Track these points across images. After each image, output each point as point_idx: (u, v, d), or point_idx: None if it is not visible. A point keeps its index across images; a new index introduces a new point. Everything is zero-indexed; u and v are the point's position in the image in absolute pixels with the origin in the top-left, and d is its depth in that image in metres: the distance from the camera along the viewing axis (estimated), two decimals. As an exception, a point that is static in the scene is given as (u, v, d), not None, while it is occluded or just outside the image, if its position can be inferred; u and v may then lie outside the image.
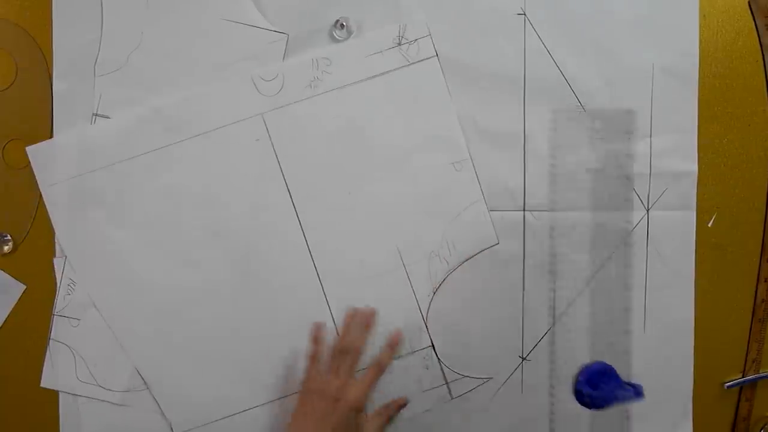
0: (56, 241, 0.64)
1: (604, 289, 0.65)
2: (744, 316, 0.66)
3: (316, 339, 0.63)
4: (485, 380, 0.65)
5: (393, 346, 0.62)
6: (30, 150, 0.63)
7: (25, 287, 0.66)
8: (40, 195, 0.64)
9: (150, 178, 0.63)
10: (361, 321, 0.62)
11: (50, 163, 0.63)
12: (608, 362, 0.65)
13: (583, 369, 0.64)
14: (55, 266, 0.65)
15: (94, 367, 0.65)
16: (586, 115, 0.63)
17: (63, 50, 0.63)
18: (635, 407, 0.66)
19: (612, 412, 0.66)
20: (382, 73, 0.62)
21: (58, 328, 0.65)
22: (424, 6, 0.62)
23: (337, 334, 0.64)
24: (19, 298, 0.66)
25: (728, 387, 0.66)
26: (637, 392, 0.62)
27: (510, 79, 0.63)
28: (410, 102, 0.63)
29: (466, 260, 0.64)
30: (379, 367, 0.61)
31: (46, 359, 0.66)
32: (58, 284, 0.65)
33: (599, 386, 0.62)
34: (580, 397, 0.61)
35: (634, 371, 0.66)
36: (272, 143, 0.63)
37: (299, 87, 0.62)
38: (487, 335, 0.65)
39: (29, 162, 0.63)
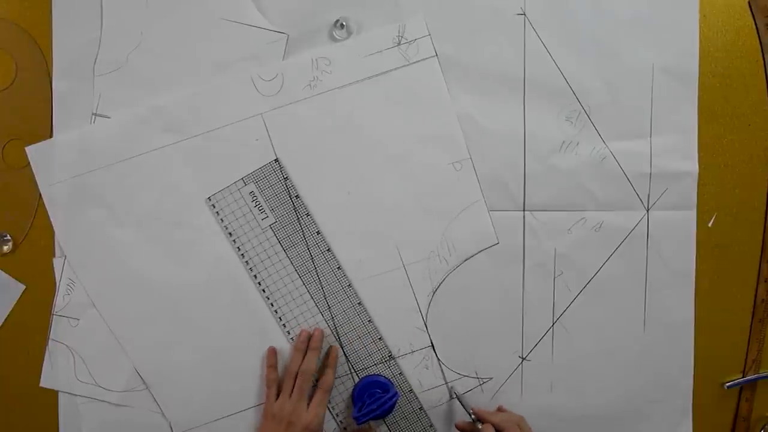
0: (56, 241, 0.64)
1: (604, 289, 0.64)
2: (744, 316, 0.66)
3: (270, 365, 0.64)
4: (485, 380, 0.65)
5: (331, 365, 0.64)
6: (30, 150, 0.63)
7: (24, 287, 0.66)
8: (40, 195, 0.64)
9: (150, 178, 0.63)
10: (311, 344, 0.63)
11: (50, 163, 0.63)
12: (608, 363, 0.65)
13: (352, 393, 0.65)
14: (55, 266, 0.65)
15: (94, 366, 0.65)
16: (585, 115, 0.63)
17: (63, 50, 0.63)
18: (635, 407, 0.66)
19: (612, 415, 0.66)
20: (382, 73, 0.62)
21: (58, 328, 0.65)
22: (424, 6, 0.62)
23: (339, 338, 0.64)
24: (19, 298, 0.66)
25: (728, 387, 0.66)
26: (391, 395, 0.62)
27: (510, 79, 0.63)
28: (410, 102, 0.63)
29: (466, 260, 0.64)
30: (325, 387, 0.62)
31: (45, 359, 0.66)
32: (57, 284, 0.65)
33: (365, 402, 0.62)
34: (359, 421, 0.62)
35: (634, 371, 0.66)
36: (272, 143, 0.63)
37: (299, 87, 0.62)
38: (487, 335, 0.65)
39: (29, 162, 0.63)
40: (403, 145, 0.63)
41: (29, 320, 0.66)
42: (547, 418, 0.66)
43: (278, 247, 0.63)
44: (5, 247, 0.65)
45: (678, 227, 0.64)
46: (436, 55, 0.62)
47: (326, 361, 0.64)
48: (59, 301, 0.65)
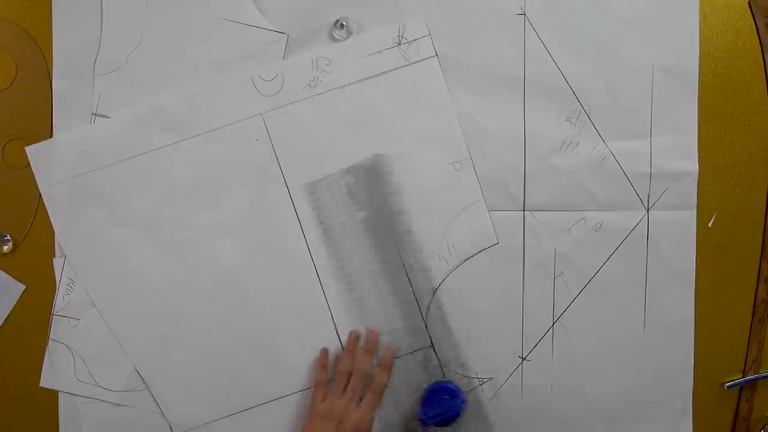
0: (56, 241, 0.64)
1: (603, 289, 0.64)
2: (744, 316, 0.66)
3: (322, 365, 0.63)
4: (485, 380, 0.65)
5: (387, 366, 0.63)
6: (30, 150, 0.64)
7: (24, 287, 0.66)
8: (40, 195, 0.64)
9: (150, 178, 0.63)
10: (366, 345, 0.63)
11: (50, 163, 0.63)
12: (608, 363, 0.65)
13: (421, 398, 0.64)
14: (55, 266, 0.65)
15: (94, 367, 0.65)
16: (585, 115, 0.63)
17: (63, 50, 0.63)
18: (635, 407, 0.66)
19: (612, 415, 0.66)
20: (382, 73, 0.62)
21: (58, 328, 0.65)
22: (424, 6, 0.62)
23: (338, 338, 0.64)
24: (19, 298, 0.66)
25: (728, 387, 0.66)
26: (460, 400, 0.62)
27: (510, 79, 0.63)
28: (410, 102, 0.63)
29: (466, 260, 0.64)
30: (378, 389, 0.62)
31: (45, 359, 0.66)
32: (57, 284, 0.65)
33: (432, 407, 0.63)
34: (424, 423, 0.62)
35: (634, 371, 0.66)
36: (272, 143, 0.63)
37: (299, 87, 0.62)
38: (487, 335, 0.65)
39: (29, 162, 0.63)
40: (403, 145, 0.63)
41: (29, 320, 0.66)
42: (547, 418, 0.66)
43: (367, 242, 0.64)
44: (5, 247, 0.65)
45: (678, 227, 0.64)
46: (437, 55, 0.62)
47: (383, 362, 0.63)
48: (59, 301, 0.65)
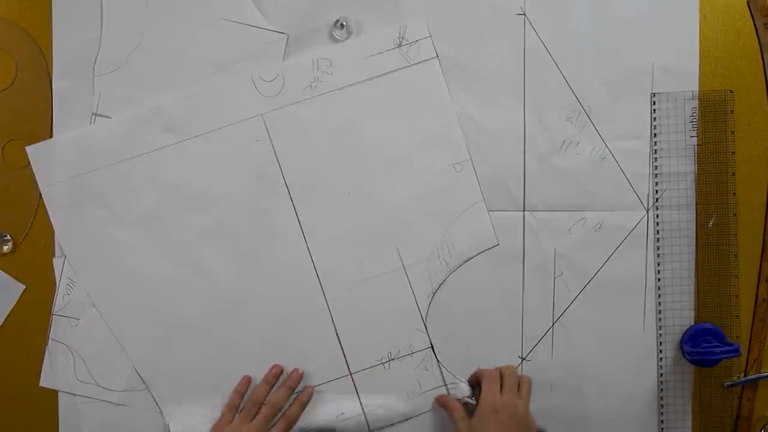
0: (56, 241, 0.64)
1: (603, 289, 0.64)
2: (744, 316, 0.66)
3: (238, 391, 0.63)
4: (485, 381, 0.65)
5: (302, 401, 0.63)
6: (30, 150, 0.64)
7: (24, 287, 0.66)
8: (40, 195, 0.64)
9: (150, 178, 0.63)
10: (286, 381, 0.63)
11: (50, 163, 0.63)
12: (608, 363, 0.65)
13: (687, 329, 0.64)
14: (55, 266, 0.65)
15: (94, 366, 0.65)
16: (585, 115, 0.63)
17: (63, 50, 0.63)
18: (635, 408, 0.66)
19: (612, 415, 0.66)
20: (383, 74, 0.62)
21: (58, 328, 0.65)
22: (425, 6, 0.62)
23: (338, 339, 0.64)
24: (19, 298, 0.66)
25: (729, 387, 0.66)
26: (734, 350, 0.62)
27: (510, 79, 0.63)
28: (410, 103, 0.63)
29: (466, 261, 0.64)
30: (287, 422, 0.61)
31: (45, 359, 0.65)
32: (57, 284, 0.65)
33: (700, 345, 0.62)
34: (683, 354, 0.63)
35: (633, 371, 0.66)
36: (272, 143, 0.63)
37: (299, 87, 0.62)
38: (487, 335, 0.65)
39: (29, 162, 0.63)
40: (404, 146, 0.63)
41: (29, 320, 0.66)
42: (547, 419, 0.66)
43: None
44: (5, 247, 0.65)
45: (678, 227, 0.64)
46: (437, 56, 0.62)
47: (299, 397, 0.63)
48: (59, 300, 0.65)
